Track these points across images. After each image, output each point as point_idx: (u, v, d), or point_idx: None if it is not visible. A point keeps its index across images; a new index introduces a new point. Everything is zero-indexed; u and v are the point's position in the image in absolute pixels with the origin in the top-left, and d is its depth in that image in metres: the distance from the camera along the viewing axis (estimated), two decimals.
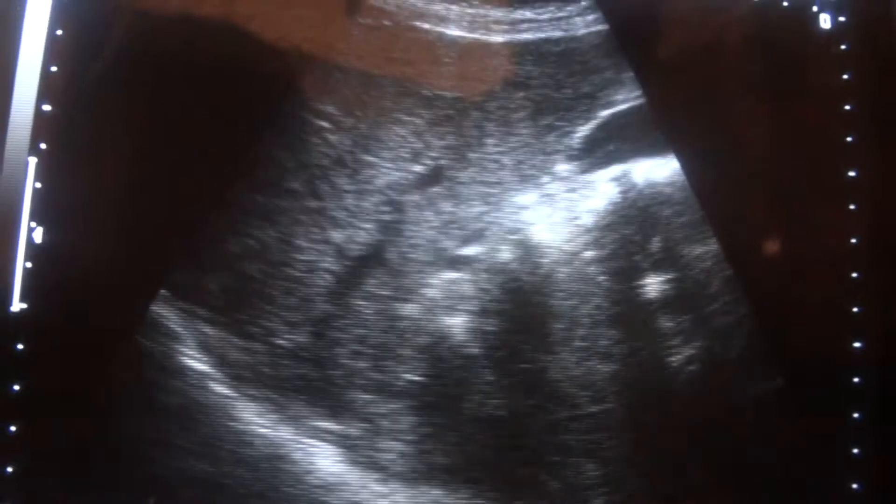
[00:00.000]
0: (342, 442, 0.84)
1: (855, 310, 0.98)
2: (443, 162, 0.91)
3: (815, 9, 1.04)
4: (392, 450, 0.85)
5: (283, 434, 0.83)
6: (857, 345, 0.98)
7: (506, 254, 0.91)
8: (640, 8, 1.00)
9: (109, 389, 0.81)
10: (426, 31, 0.93)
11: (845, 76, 1.03)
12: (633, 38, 0.98)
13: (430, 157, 0.91)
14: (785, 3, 1.03)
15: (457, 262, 0.90)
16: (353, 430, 0.85)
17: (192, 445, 0.82)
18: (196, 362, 0.83)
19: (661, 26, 1.02)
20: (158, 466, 0.81)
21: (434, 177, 0.90)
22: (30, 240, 0.81)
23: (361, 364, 0.86)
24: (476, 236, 0.91)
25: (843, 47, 1.03)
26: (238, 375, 0.84)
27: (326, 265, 0.87)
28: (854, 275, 0.99)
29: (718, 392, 0.94)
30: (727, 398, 0.95)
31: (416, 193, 0.90)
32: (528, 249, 0.92)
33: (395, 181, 0.90)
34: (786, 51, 1.04)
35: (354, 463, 0.85)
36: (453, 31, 0.93)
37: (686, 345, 0.94)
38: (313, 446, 0.84)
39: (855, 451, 0.96)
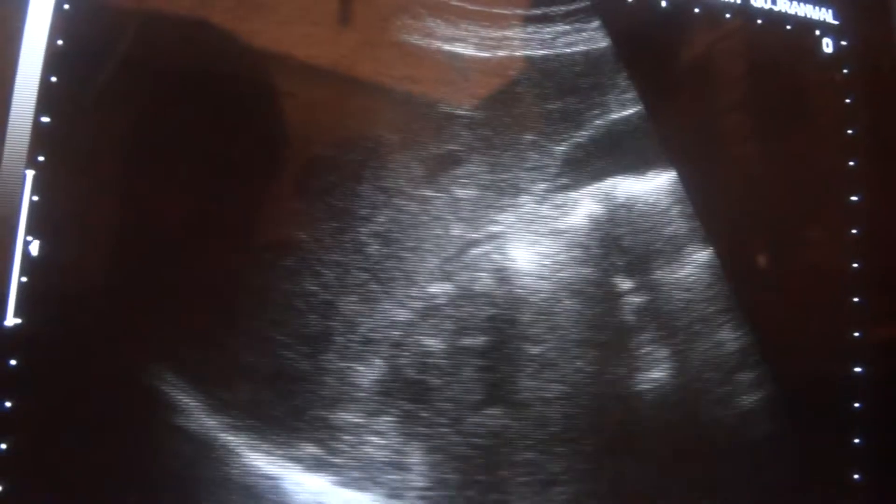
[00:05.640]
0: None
1: (856, 334, 0.98)
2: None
3: (817, 33, 1.04)
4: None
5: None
6: (858, 369, 0.98)
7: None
8: (642, 31, 1.00)
9: (105, 407, 0.79)
10: (433, 48, 0.92)
11: (847, 100, 1.03)
12: (635, 61, 0.98)
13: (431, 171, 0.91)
14: (787, 27, 1.04)
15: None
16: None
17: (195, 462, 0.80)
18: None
19: (662, 50, 1.02)
20: (157, 488, 0.79)
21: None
22: (26, 253, 0.79)
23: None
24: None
25: (845, 71, 1.04)
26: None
27: (320, 280, 0.86)
28: (856, 299, 0.99)
29: (715, 417, 0.94)
30: (724, 423, 0.94)
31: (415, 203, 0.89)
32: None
33: (394, 199, 0.89)
34: (788, 75, 1.04)
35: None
36: (458, 48, 0.93)
37: (678, 368, 0.93)
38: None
39: (856, 476, 0.95)
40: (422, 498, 0.85)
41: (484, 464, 0.86)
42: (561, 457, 0.88)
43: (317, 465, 0.83)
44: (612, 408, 0.90)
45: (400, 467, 0.85)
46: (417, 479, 0.85)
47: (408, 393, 0.86)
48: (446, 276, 0.88)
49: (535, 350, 0.90)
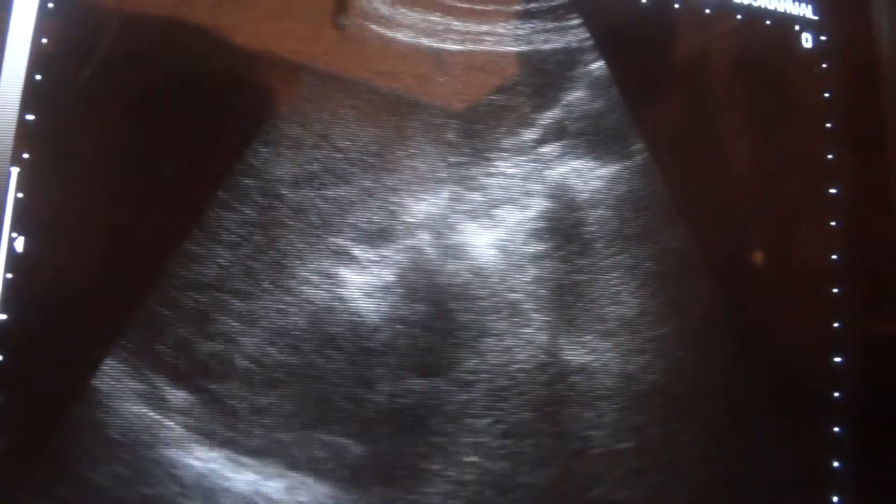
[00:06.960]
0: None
1: (836, 325, 0.99)
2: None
3: (796, 28, 1.05)
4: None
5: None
6: (837, 360, 0.99)
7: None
8: (623, 27, 1.01)
9: (91, 403, 0.80)
10: (414, 43, 0.93)
11: (826, 94, 1.04)
12: (615, 56, 0.99)
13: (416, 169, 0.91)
14: (767, 22, 1.05)
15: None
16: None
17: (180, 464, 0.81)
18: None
19: (643, 45, 1.02)
20: (142, 485, 0.80)
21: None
22: (11, 250, 0.80)
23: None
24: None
25: (824, 66, 1.05)
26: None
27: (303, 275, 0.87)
28: (835, 290, 1.00)
29: (695, 405, 0.95)
30: (705, 411, 0.95)
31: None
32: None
33: (376, 190, 0.90)
34: (767, 69, 1.05)
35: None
36: (441, 44, 0.94)
37: (657, 355, 0.94)
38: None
39: (836, 464, 0.96)
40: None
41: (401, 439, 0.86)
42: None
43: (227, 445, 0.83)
44: (594, 401, 0.91)
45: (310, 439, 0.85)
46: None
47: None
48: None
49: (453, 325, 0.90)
